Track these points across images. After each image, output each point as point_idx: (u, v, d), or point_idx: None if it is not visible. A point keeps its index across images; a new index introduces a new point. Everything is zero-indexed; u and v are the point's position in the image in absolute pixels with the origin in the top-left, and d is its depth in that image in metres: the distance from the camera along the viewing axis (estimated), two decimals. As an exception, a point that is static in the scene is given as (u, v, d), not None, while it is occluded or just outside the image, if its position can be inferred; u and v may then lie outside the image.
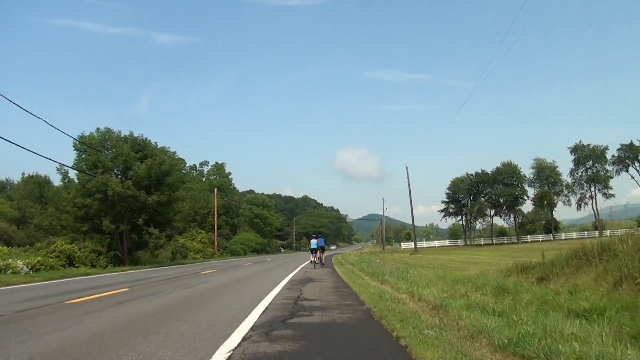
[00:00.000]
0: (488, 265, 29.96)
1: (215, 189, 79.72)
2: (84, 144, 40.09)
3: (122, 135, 42.65)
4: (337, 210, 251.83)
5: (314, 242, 35.22)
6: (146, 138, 43.58)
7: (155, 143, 44.08)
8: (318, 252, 34.79)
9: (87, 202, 38.85)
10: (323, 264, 35.07)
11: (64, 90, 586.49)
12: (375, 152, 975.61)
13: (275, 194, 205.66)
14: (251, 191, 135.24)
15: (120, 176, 40.94)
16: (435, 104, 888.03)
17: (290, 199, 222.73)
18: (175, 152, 43.87)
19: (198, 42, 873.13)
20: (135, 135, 43.30)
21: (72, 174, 42.24)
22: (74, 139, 39.82)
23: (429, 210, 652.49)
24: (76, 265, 34.01)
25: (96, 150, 39.88)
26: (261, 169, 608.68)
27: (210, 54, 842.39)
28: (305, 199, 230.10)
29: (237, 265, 38.77)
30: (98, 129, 42.14)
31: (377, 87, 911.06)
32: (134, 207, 39.84)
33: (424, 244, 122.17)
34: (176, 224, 78.76)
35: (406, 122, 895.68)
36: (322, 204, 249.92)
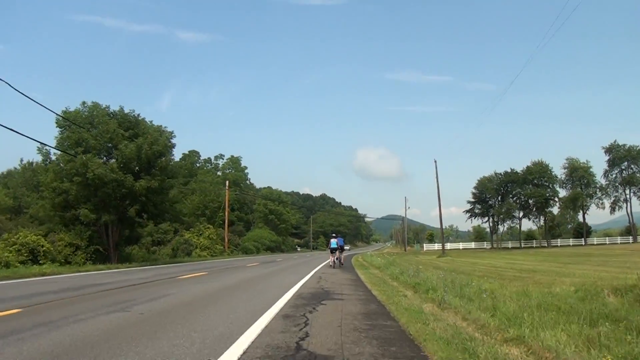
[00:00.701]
0: (554, 275, 23.08)
1: (227, 181, 73.13)
2: (66, 120, 33.59)
3: (110, 110, 36.01)
4: (356, 210, 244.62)
5: (333, 242, 33.53)
6: (139, 115, 36.94)
7: (151, 121, 37.37)
8: (337, 252, 33.16)
9: (65, 187, 32.35)
10: (342, 264, 34.08)
11: (85, 85, 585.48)
12: (394, 153, 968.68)
13: (293, 191, 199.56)
14: (268, 188, 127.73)
15: (104, 157, 34.23)
16: (456, 106, 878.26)
17: (308, 197, 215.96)
18: (172, 132, 36.89)
19: (220, 40, 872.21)
20: (126, 111, 36.63)
21: (56, 156, 35.81)
22: (56, 114, 33.39)
23: (448, 212, 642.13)
24: (41, 261, 27.49)
25: (79, 126, 33.29)
26: (280, 167, 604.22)
27: (232, 52, 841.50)
28: (323, 197, 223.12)
29: (239, 266, 32.18)
30: (84, 103, 35.63)
31: (399, 88, 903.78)
32: (119, 194, 33.10)
33: (447, 245, 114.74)
34: (184, 218, 72.60)
35: (427, 123, 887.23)
36: (340, 203, 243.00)
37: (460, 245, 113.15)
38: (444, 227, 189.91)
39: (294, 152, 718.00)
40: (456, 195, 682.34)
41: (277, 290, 14.28)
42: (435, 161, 62.21)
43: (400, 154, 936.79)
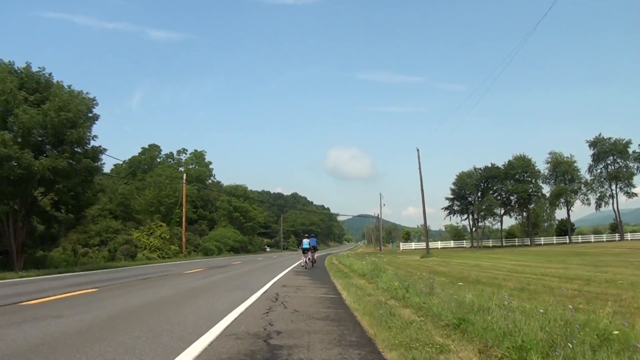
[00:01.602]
0: (567, 280, 15.66)
1: (185, 174, 64.43)
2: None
3: (14, 66, 27.20)
4: (328, 209, 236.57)
5: (305, 242, 32.31)
6: (50, 74, 28.08)
7: (69, 86, 28.53)
8: (310, 252, 32.03)
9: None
10: (314, 264, 32.90)
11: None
12: (366, 153, 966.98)
13: (264, 190, 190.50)
14: (233, 184, 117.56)
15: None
16: (428, 106, 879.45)
17: (279, 195, 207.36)
18: (94, 100, 28.01)
19: (192, 39, 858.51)
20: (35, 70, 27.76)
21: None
22: None
23: (419, 212, 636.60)
24: None
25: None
26: (252, 168, 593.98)
27: (204, 51, 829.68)
28: (294, 196, 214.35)
29: (174, 274, 24.16)
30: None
31: (371, 88, 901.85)
32: (15, 176, 24.19)
33: (412, 245, 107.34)
34: (137, 215, 63.77)
35: (399, 123, 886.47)
36: (312, 202, 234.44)
37: (439, 244, 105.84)
38: (415, 226, 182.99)
39: (265, 153, 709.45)
40: (428, 195, 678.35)
41: (177, 332, 6.31)
42: (418, 150, 54.85)
43: (372, 154, 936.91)
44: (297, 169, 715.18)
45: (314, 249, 33.24)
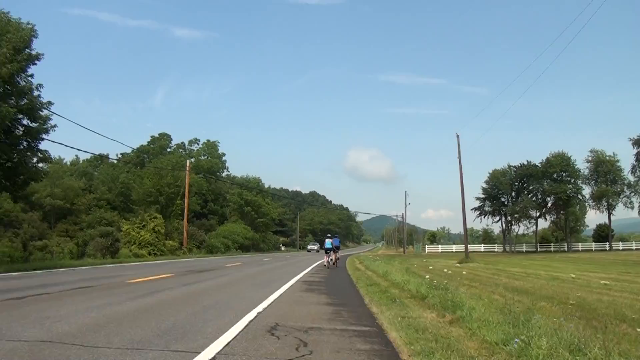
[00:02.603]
0: None
1: (188, 161, 56.11)
2: None
3: None
4: (347, 209, 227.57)
5: (328, 242, 30.69)
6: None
7: (19, 19, 20.19)
8: (332, 252, 30.66)
9: None
10: (336, 265, 31.03)
11: (79, 80, 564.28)
12: (386, 154, 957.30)
13: (282, 188, 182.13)
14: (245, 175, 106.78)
15: None
16: (449, 109, 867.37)
17: (297, 193, 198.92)
18: (33, 29, 19.68)
19: (214, 37, 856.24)
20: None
21: None
22: None
23: (439, 214, 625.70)
24: None
25: None
26: (270, 165, 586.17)
27: (226, 50, 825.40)
28: (313, 194, 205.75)
29: (104, 285, 15.60)
30: None
31: (392, 89, 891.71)
32: None
33: (453, 247, 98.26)
34: (134, 206, 55.87)
35: (419, 125, 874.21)
36: (330, 202, 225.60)
37: (470, 249, 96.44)
38: (436, 229, 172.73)
39: (284, 151, 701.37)
40: (446, 198, 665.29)
41: None
42: (458, 136, 45.96)
43: (392, 156, 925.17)
44: (316, 168, 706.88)
45: (337, 248, 32.05)
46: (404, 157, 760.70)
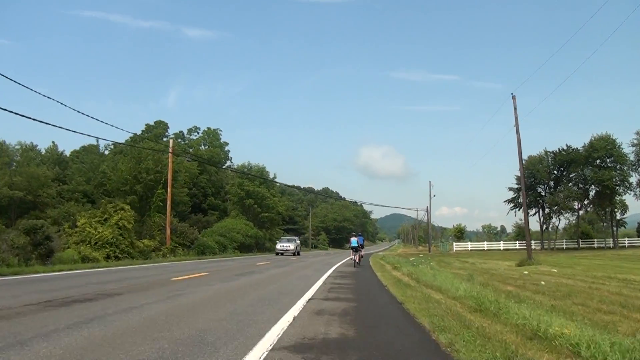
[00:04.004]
0: None
1: (171, 140, 44.81)
2: None
3: None
4: (361, 206, 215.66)
5: (354, 240, 31.50)
6: None
7: None
8: (358, 249, 31.13)
9: None
10: (360, 263, 31.10)
11: (90, 81, 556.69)
12: (399, 152, 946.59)
13: (294, 185, 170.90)
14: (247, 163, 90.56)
15: None
16: (462, 105, 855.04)
17: (310, 190, 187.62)
18: None
19: (227, 37, 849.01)
20: None
21: None
22: None
23: (453, 212, 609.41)
24: None
25: None
26: (282, 163, 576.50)
27: (238, 49, 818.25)
28: (326, 191, 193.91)
29: None
30: None
31: (405, 87, 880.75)
32: None
33: (469, 246, 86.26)
34: (103, 198, 45.03)
35: (432, 122, 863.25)
36: (344, 198, 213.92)
37: (502, 246, 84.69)
38: (451, 226, 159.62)
39: (297, 149, 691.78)
40: (460, 195, 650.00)
41: None
42: (514, 97, 34.37)
43: (405, 153, 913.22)
44: (329, 166, 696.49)
45: (361, 247, 32.49)
46: (417, 154, 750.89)
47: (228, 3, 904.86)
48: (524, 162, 79.32)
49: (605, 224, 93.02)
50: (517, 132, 34.23)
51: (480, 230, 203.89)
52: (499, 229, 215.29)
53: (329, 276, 18.40)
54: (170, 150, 43.40)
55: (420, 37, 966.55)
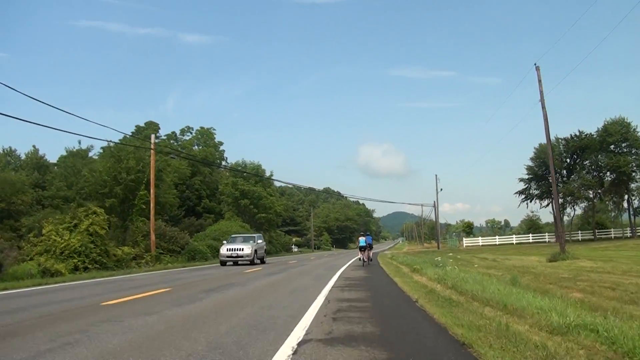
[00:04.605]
0: None
1: (152, 135, 39.99)
2: None
3: None
4: (363, 205, 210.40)
5: (362, 240, 30.33)
6: None
7: None
8: (366, 250, 29.91)
9: None
10: (371, 261, 30.72)
11: (91, 90, 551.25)
12: (399, 150, 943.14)
13: (295, 186, 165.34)
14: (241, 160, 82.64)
15: None
16: (461, 101, 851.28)
17: (310, 190, 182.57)
18: None
19: (224, 41, 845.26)
20: None
21: None
22: None
23: (454, 208, 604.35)
24: None
25: None
26: (283, 165, 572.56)
27: (235, 53, 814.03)
28: (327, 190, 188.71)
29: None
30: None
31: (403, 84, 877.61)
32: None
33: (479, 241, 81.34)
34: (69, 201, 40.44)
35: (432, 119, 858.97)
36: (346, 198, 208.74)
37: (514, 239, 79.90)
38: (454, 222, 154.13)
39: (297, 151, 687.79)
40: (462, 191, 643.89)
41: None
42: (538, 67, 29.59)
43: (405, 151, 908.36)
44: (329, 167, 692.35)
45: (370, 246, 30.73)
46: (417, 152, 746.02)
47: (224, 7, 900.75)
48: (534, 150, 75.47)
49: (614, 213, 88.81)
50: (543, 107, 29.51)
51: (484, 225, 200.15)
52: (502, 223, 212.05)
53: (333, 287, 13.75)
54: (152, 146, 38.79)
55: (416, 35, 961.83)
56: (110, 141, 40.69)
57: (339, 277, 18.30)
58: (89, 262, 27.57)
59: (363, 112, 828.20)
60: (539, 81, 29.50)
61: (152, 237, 36.89)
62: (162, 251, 38.22)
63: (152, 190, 37.39)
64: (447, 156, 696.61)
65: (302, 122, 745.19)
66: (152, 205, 37.29)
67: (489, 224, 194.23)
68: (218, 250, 36.15)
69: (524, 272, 19.71)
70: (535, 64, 29.91)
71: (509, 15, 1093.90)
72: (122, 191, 39.29)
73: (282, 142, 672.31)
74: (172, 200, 44.06)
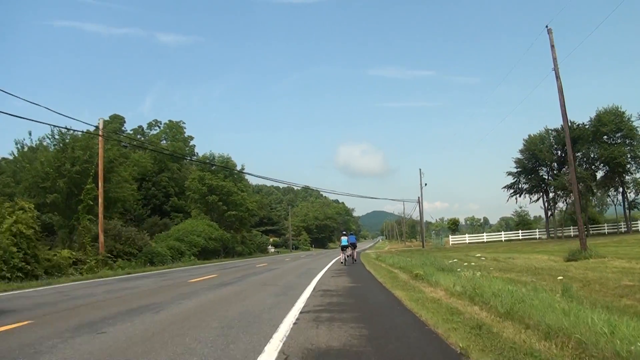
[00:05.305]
0: None
1: (100, 119, 34.16)
2: None
3: None
4: (343, 203, 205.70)
5: (344, 240, 29.88)
6: None
7: None
8: (349, 249, 29.91)
9: None
10: (355, 261, 30.30)
11: (67, 90, 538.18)
12: (378, 150, 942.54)
13: (273, 186, 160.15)
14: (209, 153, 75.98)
15: None
16: (440, 100, 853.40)
17: (289, 189, 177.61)
18: None
19: (201, 42, 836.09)
20: None
21: None
22: None
23: (433, 206, 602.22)
24: None
25: None
26: (263, 166, 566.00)
27: (213, 54, 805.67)
28: (306, 189, 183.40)
29: None
30: None
31: (382, 84, 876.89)
32: None
33: (466, 239, 76.64)
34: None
35: (411, 118, 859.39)
36: (325, 197, 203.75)
37: (502, 236, 75.46)
38: (434, 220, 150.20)
39: (277, 152, 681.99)
40: (440, 189, 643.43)
41: None
42: (550, 30, 24.76)
43: (384, 151, 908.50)
44: (309, 167, 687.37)
45: (353, 245, 30.57)
46: (395, 151, 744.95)
47: (200, 7, 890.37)
48: (523, 142, 71.22)
49: (599, 208, 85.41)
50: (557, 77, 24.66)
51: (464, 223, 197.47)
52: (482, 221, 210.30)
53: (302, 311, 8.59)
54: (100, 132, 33.18)
55: (395, 33, 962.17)
56: (55, 126, 35.07)
57: (314, 288, 13.21)
58: (7, 271, 22.03)
59: (342, 112, 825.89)
60: (552, 46, 24.66)
61: (101, 237, 31.45)
62: (116, 254, 32.73)
63: (100, 184, 31.89)
64: (426, 155, 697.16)
65: (281, 122, 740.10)
66: (100, 200, 31.80)
67: (468, 222, 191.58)
68: (180, 253, 30.95)
69: (554, 277, 14.77)
70: (547, 26, 25.07)
71: (486, 14, 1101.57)
72: (67, 185, 33.65)
73: (261, 143, 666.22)
74: (126, 195, 38.46)
